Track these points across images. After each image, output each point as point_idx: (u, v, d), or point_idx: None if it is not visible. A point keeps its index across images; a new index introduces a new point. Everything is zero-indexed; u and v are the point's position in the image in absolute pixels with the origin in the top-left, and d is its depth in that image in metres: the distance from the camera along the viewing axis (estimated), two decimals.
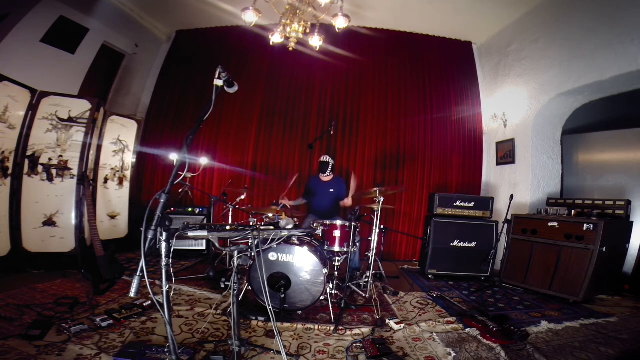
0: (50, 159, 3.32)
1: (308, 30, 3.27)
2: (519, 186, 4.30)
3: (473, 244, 3.76)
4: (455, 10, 4.46)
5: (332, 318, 2.35)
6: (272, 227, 1.78)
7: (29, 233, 3.18)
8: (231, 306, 1.62)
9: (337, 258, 2.90)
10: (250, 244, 1.69)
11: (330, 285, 2.59)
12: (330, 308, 2.40)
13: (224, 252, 3.79)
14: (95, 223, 2.96)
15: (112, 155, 4.09)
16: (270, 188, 4.87)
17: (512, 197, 3.62)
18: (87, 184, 3.17)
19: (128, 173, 4.33)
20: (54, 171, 3.33)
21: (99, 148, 3.86)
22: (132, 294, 1.16)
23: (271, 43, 3.42)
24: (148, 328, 2.06)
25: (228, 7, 4.56)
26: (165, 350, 1.59)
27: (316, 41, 3.41)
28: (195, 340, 1.94)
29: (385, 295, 3.02)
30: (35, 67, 3.83)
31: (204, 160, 4.28)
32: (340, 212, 3.86)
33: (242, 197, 3.67)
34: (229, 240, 1.67)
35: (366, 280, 3.04)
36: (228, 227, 1.64)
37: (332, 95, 5.05)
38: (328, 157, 3.70)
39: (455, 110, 5.05)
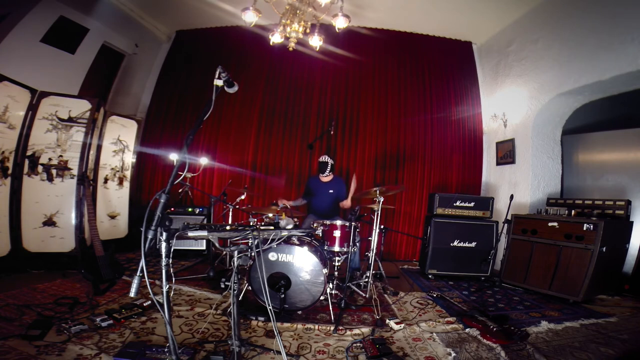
0: (50, 159, 3.32)
1: (308, 30, 3.28)
2: (519, 186, 4.30)
3: (473, 244, 3.75)
4: (455, 10, 4.46)
5: (332, 318, 2.35)
6: (272, 227, 1.78)
7: (29, 233, 3.18)
8: (231, 306, 1.62)
9: (337, 258, 2.91)
10: (250, 244, 1.69)
11: (330, 285, 2.59)
12: (330, 308, 2.40)
13: (224, 252, 3.79)
14: (95, 223, 2.96)
15: (112, 155, 4.09)
16: (270, 188, 4.87)
17: (512, 197, 3.62)
18: (87, 184, 3.17)
19: (128, 173, 4.33)
20: (54, 171, 3.33)
21: (99, 148, 3.86)
22: (132, 294, 1.16)
23: (271, 43, 3.43)
24: (148, 328, 2.06)
25: (228, 7, 4.56)
26: (165, 350, 1.60)
27: (316, 41, 3.41)
28: (195, 340, 1.94)
29: (385, 295, 3.02)
30: (35, 67, 3.82)
31: (204, 160, 4.27)
32: (340, 212, 3.86)
33: (242, 197, 3.67)
34: (229, 240, 1.67)
35: (366, 280, 3.04)
36: (228, 227, 1.64)
37: (332, 95, 5.05)
38: (327, 157, 3.69)
39: (455, 110, 5.05)
